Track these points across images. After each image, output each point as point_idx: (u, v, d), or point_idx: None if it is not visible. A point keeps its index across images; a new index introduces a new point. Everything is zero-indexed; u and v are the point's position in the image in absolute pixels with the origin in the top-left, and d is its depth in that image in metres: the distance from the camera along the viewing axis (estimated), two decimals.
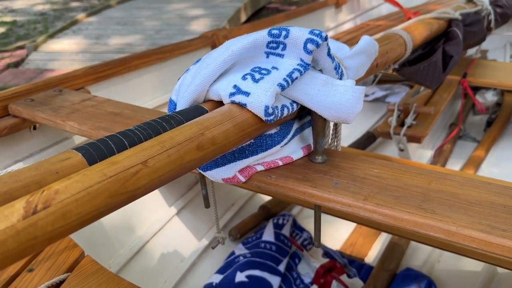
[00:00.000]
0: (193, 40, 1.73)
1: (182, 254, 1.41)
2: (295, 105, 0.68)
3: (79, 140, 1.28)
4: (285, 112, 0.65)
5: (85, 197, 0.40)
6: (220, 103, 0.66)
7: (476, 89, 2.55)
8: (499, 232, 0.53)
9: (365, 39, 0.81)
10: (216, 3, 7.76)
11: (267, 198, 1.74)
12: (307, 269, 1.43)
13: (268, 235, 1.50)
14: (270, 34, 0.65)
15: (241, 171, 0.69)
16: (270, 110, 0.61)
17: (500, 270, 1.34)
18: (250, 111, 0.61)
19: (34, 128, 1.17)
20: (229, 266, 1.41)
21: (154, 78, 1.57)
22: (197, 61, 0.71)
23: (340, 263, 1.42)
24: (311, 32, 0.63)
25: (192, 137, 0.52)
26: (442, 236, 0.55)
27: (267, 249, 1.44)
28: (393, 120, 1.68)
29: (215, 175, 0.69)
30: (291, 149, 0.74)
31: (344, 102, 0.64)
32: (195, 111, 0.63)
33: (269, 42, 0.66)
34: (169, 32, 6.24)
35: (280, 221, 1.56)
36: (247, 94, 0.61)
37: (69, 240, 0.87)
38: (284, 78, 0.63)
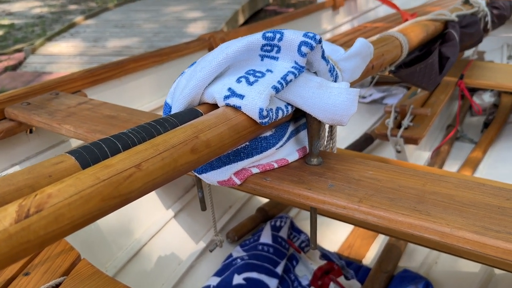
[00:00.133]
0: (190, 43, 1.73)
1: (179, 257, 1.40)
2: (290, 107, 0.68)
3: (75, 143, 1.28)
4: (280, 114, 0.65)
5: (78, 201, 0.40)
6: (215, 106, 0.66)
7: (473, 90, 2.56)
8: (493, 233, 0.53)
9: (360, 42, 0.81)
10: (214, 6, 7.76)
11: (265, 200, 1.74)
12: (304, 271, 1.43)
13: (266, 237, 1.50)
14: (264, 37, 0.65)
15: (236, 173, 0.69)
16: (265, 113, 0.61)
17: (497, 271, 1.34)
18: (245, 113, 0.62)
19: (31, 131, 1.17)
20: (226, 268, 1.41)
21: (151, 81, 1.57)
22: (192, 64, 0.71)
23: (338, 265, 1.42)
24: (305, 35, 0.64)
25: (186, 140, 0.52)
26: (436, 237, 0.55)
27: (265, 251, 1.44)
28: (390, 122, 1.68)
29: (211, 177, 0.69)
30: (287, 152, 0.74)
31: (339, 104, 0.64)
32: (189, 114, 0.63)
33: (263, 45, 0.66)
34: (167, 35, 6.24)
35: (278, 223, 1.56)
36: (241, 96, 0.61)
37: (65, 243, 0.87)
38: (279, 81, 0.63)
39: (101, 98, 1.37)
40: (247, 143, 0.68)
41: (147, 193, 0.48)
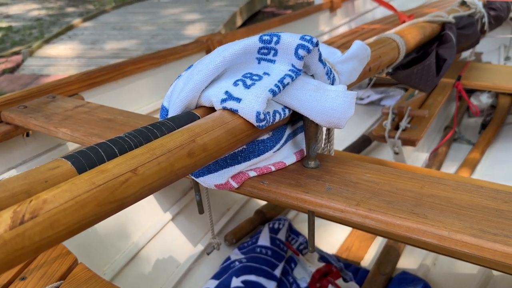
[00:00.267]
0: (188, 45, 1.73)
1: (177, 260, 1.40)
2: (287, 110, 0.68)
3: (72, 146, 1.28)
4: (277, 117, 0.65)
5: (73, 206, 0.39)
6: (212, 109, 0.66)
7: (471, 91, 2.56)
8: (491, 236, 0.53)
9: (357, 44, 0.81)
10: (211, 8, 7.77)
11: (263, 202, 1.74)
12: (303, 274, 1.43)
13: (264, 239, 1.49)
14: (261, 40, 0.65)
15: (233, 177, 0.69)
16: (262, 116, 0.60)
17: (495, 273, 1.34)
18: (242, 117, 0.61)
19: (27, 135, 1.17)
20: (224, 271, 1.41)
21: (148, 84, 1.57)
22: (189, 67, 0.71)
23: (336, 267, 1.42)
24: (302, 38, 0.64)
25: (183, 144, 0.52)
26: (434, 241, 0.55)
27: (263, 254, 1.44)
28: (387, 124, 1.68)
29: (208, 181, 0.69)
30: (284, 155, 0.73)
31: (336, 107, 0.64)
32: (186, 117, 0.63)
33: (260, 48, 0.66)
34: (165, 37, 6.24)
35: (276, 226, 1.56)
36: (238, 100, 0.61)
37: (62, 247, 0.87)
38: (276, 84, 0.63)
39: (99, 101, 1.37)
40: (245, 147, 0.67)
41: (144, 197, 0.47)
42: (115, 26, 7.00)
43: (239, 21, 7.19)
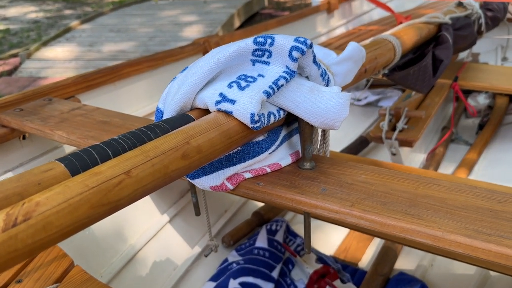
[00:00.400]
0: (185, 47, 1.73)
1: (175, 262, 1.40)
2: (282, 112, 0.68)
3: (69, 149, 1.28)
4: (272, 119, 0.65)
5: (66, 209, 0.39)
6: (207, 111, 0.66)
7: (468, 92, 2.57)
8: (485, 236, 0.53)
9: (352, 46, 0.81)
10: (209, 10, 7.77)
11: (261, 204, 1.74)
12: (300, 275, 1.43)
13: (261, 241, 1.49)
14: (255, 42, 0.65)
15: (229, 178, 0.69)
16: (256, 118, 0.61)
17: (492, 273, 1.34)
18: (236, 118, 0.61)
19: (24, 137, 1.17)
20: (222, 273, 1.41)
21: (145, 86, 1.57)
22: (184, 69, 0.71)
23: (334, 268, 1.42)
24: (296, 40, 0.64)
25: (177, 146, 0.52)
26: (428, 241, 0.55)
27: (260, 255, 1.44)
28: (384, 125, 1.68)
29: (203, 183, 0.69)
30: (279, 156, 0.74)
31: (330, 108, 0.64)
32: (181, 119, 0.63)
33: (254, 50, 0.66)
34: (162, 39, 6.24)
35: (274, 227, 1.56)
36: (233, 102, 0.61)
37: (58, 250, 0.87)
38: (270, 86, 0.63)
39: (95, 104, 1.36)
40: (240, 148, 0.68)
41: (137, 200, 0.47)
42: (113, 28, 7.00)
43: (236, 23, 7.19)
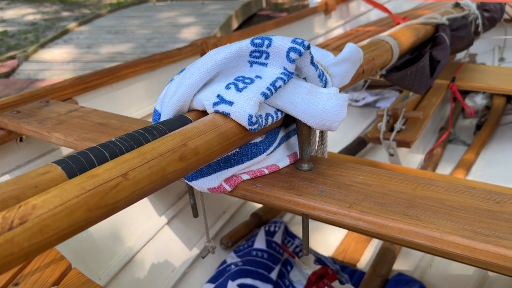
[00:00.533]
0: (182, 49, 1.73)
1: (173, 264, 1.40)
2: (279, 113, 0.68)
3: (67, 151, 1.28)
4: (270, 120, 0.65)
5: (63, 212, 0.39)
6: (204, 113, 0.66)
7: (465, 92, 2.57)
8: (483, 237, 0.53)
9: (349, 47, 0.81)
10: (207, 11, 7.77)
11: (259, 205, 1.73)
12: (299, 276, 1.43)
13: (260, 242, 1.49)
14: (253, 43, 0.65)
15: (226, 180, 0.69)
16: (254, 119, 0.60)
17: (491, 274, 1.34)
18: (234, 120, 0.61)
19: (21, 140, 1.16)
20: (220, 275, 1.40)
21: (143, 87, 1.57)
22: (182, 71, 0.71)
23: (332, 269, 1.42)
24: (294, 41, 0.64)
25: (174, 148, 0.52)
26: (426, 242, 0.55)
27: (259, 257, 1.43)
28: (382, 126, 1.68)
29: (201, 184, 0.69)
30: (277, 157, 0.73)
31: (328, 109, 0.64)
32: (179, 121, 0.62)
33: (252, 51, 0.66)
34: (160, 41, 6.23)
35: (272, 228, 1.56)
36: (230, 103, 0.61)
37: (56, 252, 0.87)
38: (268, 87, 0.63)
39: (93, 105, 1.36)
40: (237, 150, 0.67)
41: (135, 202, 0.47)
42: (111, 30, 6.99)
43: (234, 24, 7.19)
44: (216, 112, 0.62)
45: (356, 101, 2.53)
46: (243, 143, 0.64)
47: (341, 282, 1.39)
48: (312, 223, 1.68)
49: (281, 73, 0.65)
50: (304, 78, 0.71)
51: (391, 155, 1.75)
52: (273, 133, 0.72)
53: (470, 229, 0.54)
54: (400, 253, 1.50)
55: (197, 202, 0.90)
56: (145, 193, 0.48)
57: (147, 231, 1.38)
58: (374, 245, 1.58)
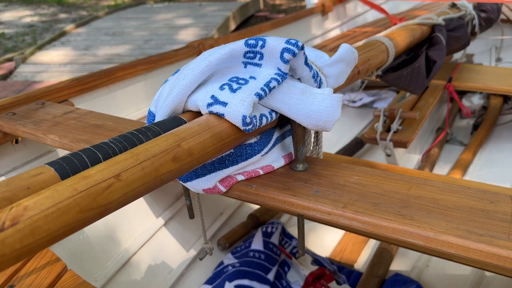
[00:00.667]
0: (179, 50, 1.73)
1: (170, 266, 1.39)
2: (274, 114, 0.68)
3: (63, 153, 1.27)
4: (264, 121, 0.65)
5: (55, 213, 0.39)
6: (199, 114, 0.66)
7: (462, 93, 2.58)
8: (477, 237, 0.53)
9: (344, 47, 0.81)
10: (204, 12, 7.78)
11: (256, 206, 1.73)
12: (296, 277, 1.43)
13: (257, 243, 1.49)
14: (247, 44, 0.65)
15: (221, 181, 0.69)
16: (248, 120, 0.60)
17: (487, 273, 1.34)
18: (228, 121, 0.61)
19: (17, 141, 1.16)
20: (217, 276, 1.40)
21: (139, 89, 1.57)
22: (176, 72, 0.71)
23: (330, 270, 1.42)
24: (288, 42, 0.64)
25: (168, 149, 0.52)
26: (420, 242, 0.55)
27: (256, 258, 1.43)
28: (379, 126, 1.68)
29: (196, 185, 0.69)
30: (272, 158, 0.73)
31: (322, 110, 0.64)
32: (173, 122, 0.62)
33: (246, 52, 0.66)
34: (158, 42, 6.23)
35: (269, 229, 1.56)
36: (224, 104, 0.61)
37: (51, 254, 0.86)
38: (262, 88, 0.63)
39: (89, 107, 1.36)
40: (232, 151, 0.67)
41: (128, 203, 0.47)
42: (108, 31, 6.99)
43: (232, 26, 7.20)
44: (210, 113, 0.62)
45: (353, 101, 2.53)
46: (238, 143, 0.64)
47: (338, 283, 1.39)
48: (309, 224, 1.68)
49: (275, 74, 0.66)
50: (299, 79, 0.71)
51: (388, 155, 1.75)
52: (268, 133, 0.72)
53: (464, 228, 0.54)
54: (397, 254, 1.50)
55: (193, 203, 0.90)
56: (138, 194, 0.48)
57: (144, 233, 1.38)
58: (371, 246, 1.58)
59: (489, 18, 1.94)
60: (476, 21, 1.80)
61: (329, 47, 2.41)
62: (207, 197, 1.59)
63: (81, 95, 1.33)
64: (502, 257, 0.51)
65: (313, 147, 0.83)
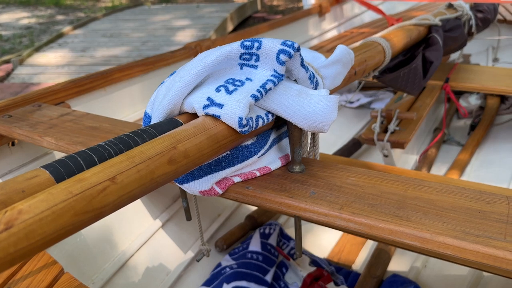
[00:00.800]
0: (176, 52, 1.73)
1: (167, 267, 1.39)
2: (270, 115, 0.68)
3: (60, 155, 1.27)
4: (260, 123, 0.65)
5: (50, 216, 0.39)
6: (195, 116, 0.66)
7: (459, 93, 2.58)
8: (473, 238, 0.53)
9: (340, 48, 0.81)
10: (202, 14, 7.77)
11: (254, 208, 1.73)
12: (294, 278, 1.42)
13: (255, 245, 1.49)
14: (242, 45, 0.65)
15: (218, 183, 0.69)
16: (244, 122, 0.60)
17: (485, 274, 1.34)
18: (224, 123, 0.61)
19: (13, 144, 1.16)
20: (215, 278, 1.40)
21: (136, 91, 1.57)
22: (172, 74, 0.71)
23: (327, 271, 1.42)
24: (283, 43, 0.64)
25: (164, 151, 0.52)
26: (417, 243, 0.55)
27: (254, 259, 1.43)
28: (376, 127, 1.68)
29: (192, 187, 0.69)
30: (269, 160, 0.73)
31: (319, 111, 0.64)
32: (169, 124, 0.62)
33: (242, 54, 0.66)
34: (155, 43, 6.23)
35: (267, 231, 1.56)
36: (220, 106, 0.61)
37: (48, 257, 0.86)
38: (258, 89, 0.63)
39: (86, 109, 1.36)
40: (228, 152, 0.67)
41: (123, 206, 0.47)
42: (106, 33, 6.98)
43: (229, 27, 7.20)
44: (207, 114, 0.62)
45: (351, 102, 2.53)
46: (234, 145, 0.64)
47: (336, 284, 1.39)
48: (306, 225, 1.68)
49: (271, 75, 0.65)
50: (295, 80, 0.71)
51: (386, 156, 1.75)
52: (264, 135, 0.72)
53: (460, 229, 0.54)
54: (395, 254, 1.50)
55: (191, 205, 0.90)
56: (134, 197, 0.48)
57: (141, 235, 1.37)
58: (369, 247, 1.58)
59: (486, 18, 1.95)
60: (473, 22, 1.81)
61: (326, 48, 2.41)
62: (204, 199, 1.59)
63: (77, 97, 1.33)
64: (498, 258, 0.51)
65: (310, 149, 0.83)
